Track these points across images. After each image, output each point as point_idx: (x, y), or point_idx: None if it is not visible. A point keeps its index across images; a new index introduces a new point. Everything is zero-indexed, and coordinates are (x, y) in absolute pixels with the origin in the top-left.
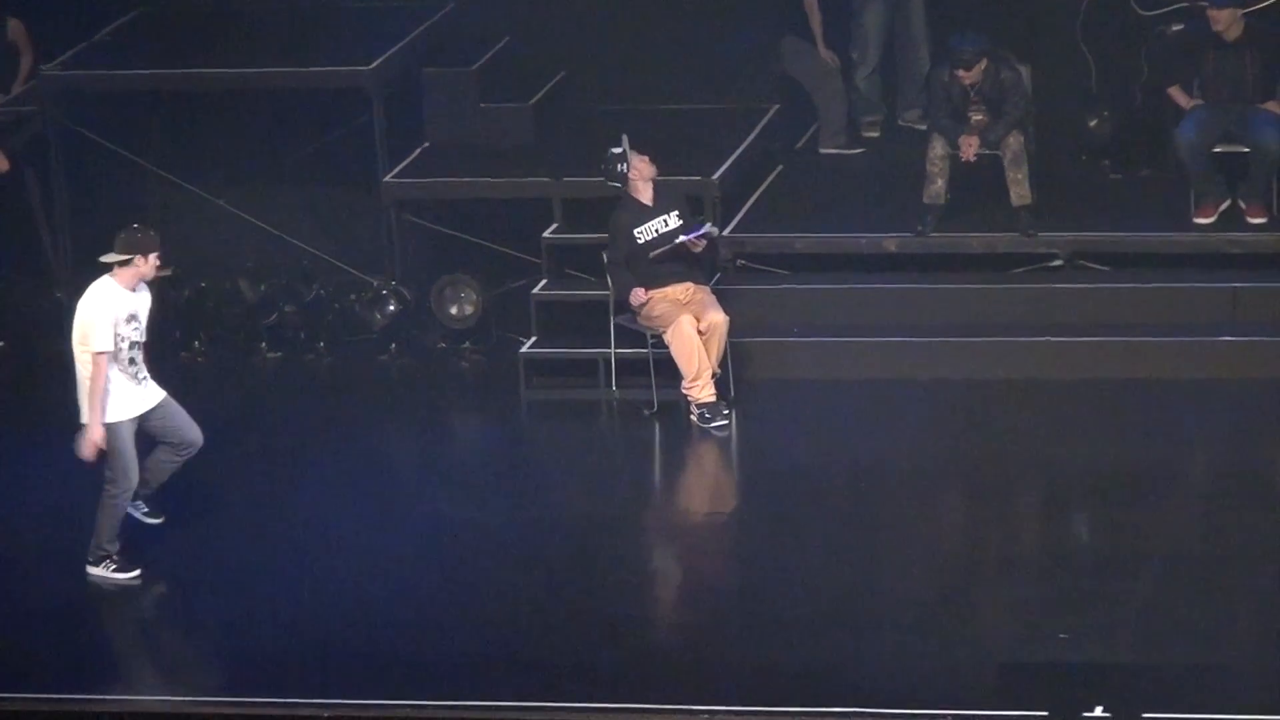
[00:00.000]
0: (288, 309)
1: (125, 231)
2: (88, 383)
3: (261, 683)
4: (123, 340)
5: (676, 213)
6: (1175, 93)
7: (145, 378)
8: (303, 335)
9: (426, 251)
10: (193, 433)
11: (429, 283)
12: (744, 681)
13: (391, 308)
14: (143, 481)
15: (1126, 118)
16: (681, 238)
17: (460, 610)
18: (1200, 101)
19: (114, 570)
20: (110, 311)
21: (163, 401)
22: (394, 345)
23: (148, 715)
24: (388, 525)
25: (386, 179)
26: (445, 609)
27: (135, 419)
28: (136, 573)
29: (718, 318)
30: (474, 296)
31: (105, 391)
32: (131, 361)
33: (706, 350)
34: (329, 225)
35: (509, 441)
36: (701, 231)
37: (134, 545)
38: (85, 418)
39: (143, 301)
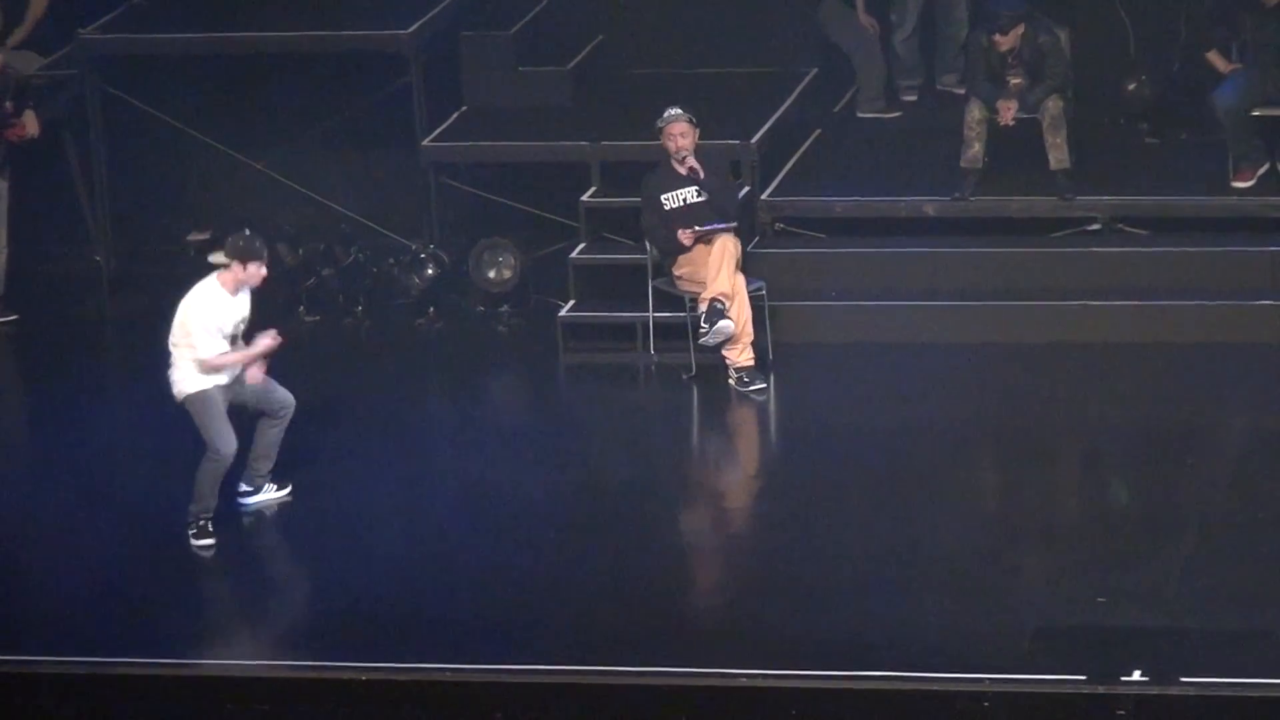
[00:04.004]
0: (326, 273)
1: (234, 236)
2: (188, 364)
3: (298, 646)
4: (226, 337)
5: (696, 189)
6: (1214, 57)
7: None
8: (341, 299)
9: (465, 215)
10: (285, 394)
11: (467, 246)
12: (781, 646)
13: (430, 272)
14: (263, 458)
15: (1165, 82)
16: (714, 228)
17: (497, 574)
18: (1239, 65)
19: (193, 536)
20: (212, 319)
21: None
22: (432, 309)
23: (184, 679)
24: (424, 489)
25: (425, 143)
26: (481, 573)
27: (225, 387)
28: (209, 542)
29: (725, 237)
30: (512, 260)
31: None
32: (231, 343)
33: (720, 268)
34: (367, 189)
35: (547, 405)
36: (719, 226)
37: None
38: (180, 389)
39: (244, 299)
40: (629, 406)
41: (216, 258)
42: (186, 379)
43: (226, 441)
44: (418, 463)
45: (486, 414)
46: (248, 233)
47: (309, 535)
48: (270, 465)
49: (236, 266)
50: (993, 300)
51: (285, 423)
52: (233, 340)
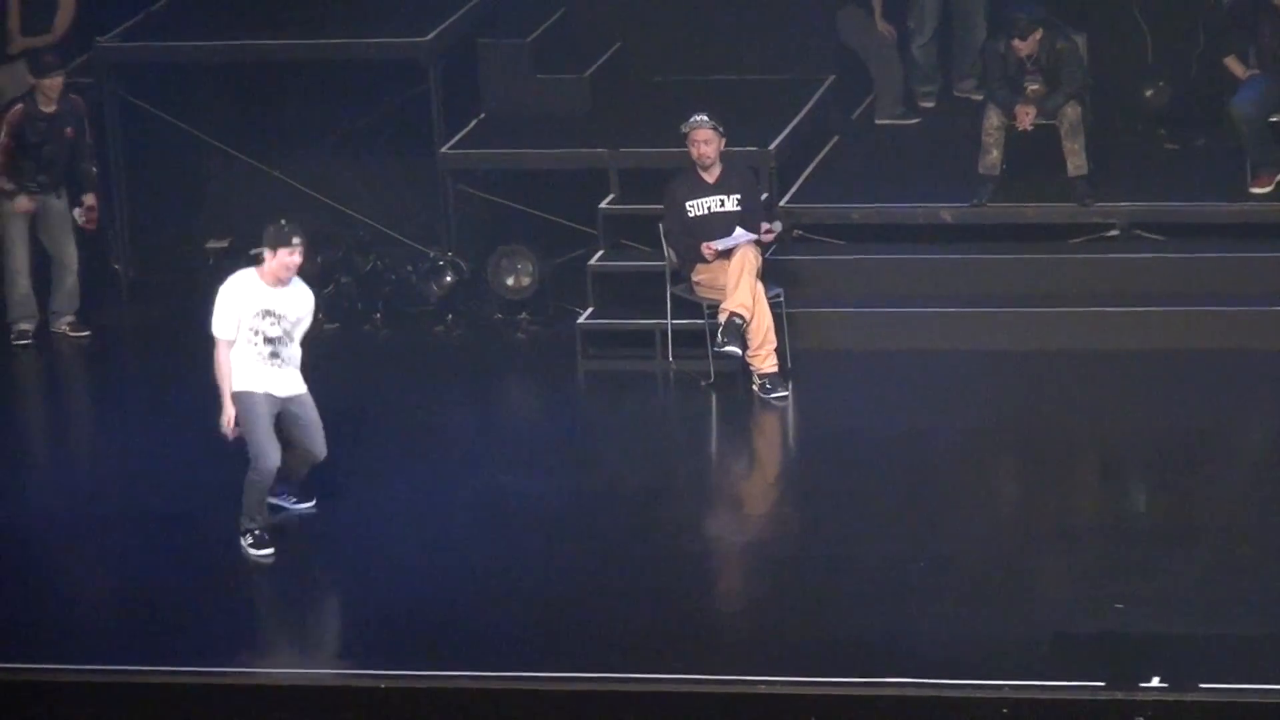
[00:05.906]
0: (344, 280)
1: (270, 224)
2: (239, 359)
3: (318, 653)
4: (256, 333)
5: (739, 196)
6: (1232, 63)
7: (282, 366)
8: (359, 306)
9: (483, 223)
10: (317, 445)
11: (486, 254)
12: (800, 652)
13: (448, 279)
14: (284, 475)
15: (1183, 88)
16: (737, 241)
17: (515, 581)
18: (1257, 71)
19: (249, 545)
20: (236, 303)
21: (302, 396)
22: (450, 316)
23: (207, 688)
24: (444, 496)
25: (443, 150)
26: (500, 579)
27: (268, 395)
28: (268, 551)
29: (745, 246)
30: (530, 267)
31: (232, 369)
32: (274, 355)
33: (740, 278)
34: (386, 196)
35: (565, 412)
36: (752, 237)
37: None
38: (232, 382)
39: (289, 299)
40: (647, 413)
41: (256, 250)
42: (236, 374)
43: (266, 455)
44: (436, 470)
45: (505, 421)
46: (281, 222)
47: (329, 543)
48: (298, 481)
49: (267, 253)
50: (1011, 307)
51: (306, 469)
52: (278, 339)
